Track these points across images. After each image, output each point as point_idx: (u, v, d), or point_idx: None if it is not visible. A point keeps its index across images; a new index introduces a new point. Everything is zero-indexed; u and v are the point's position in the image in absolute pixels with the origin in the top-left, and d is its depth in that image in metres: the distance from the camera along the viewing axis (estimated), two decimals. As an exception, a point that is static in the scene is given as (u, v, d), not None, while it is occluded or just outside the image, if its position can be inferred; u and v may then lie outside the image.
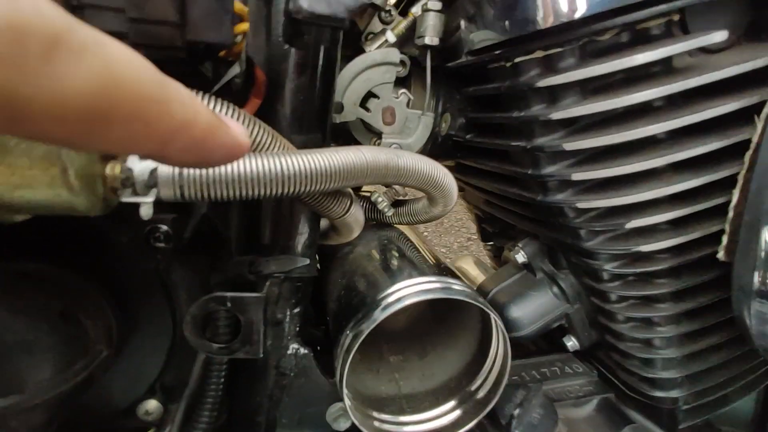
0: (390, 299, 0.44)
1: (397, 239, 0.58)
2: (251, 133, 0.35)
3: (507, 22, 0.39)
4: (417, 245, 0.58)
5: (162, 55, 0.31)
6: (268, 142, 0.36)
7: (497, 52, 0.41)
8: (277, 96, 0.39)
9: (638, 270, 0.47)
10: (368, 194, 0.56)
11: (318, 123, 0.43)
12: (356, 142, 0.54)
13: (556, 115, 0.40)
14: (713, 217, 0.44)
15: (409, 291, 0.44)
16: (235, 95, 0.36)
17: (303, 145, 0.40)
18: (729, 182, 0.41)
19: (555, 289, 0.57)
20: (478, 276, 0.77)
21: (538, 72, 0.40)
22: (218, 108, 0.34)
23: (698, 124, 0.40)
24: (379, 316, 0.42)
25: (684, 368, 0.52)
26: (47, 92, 0.13)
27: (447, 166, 0.65)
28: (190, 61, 0.35)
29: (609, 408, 0.55)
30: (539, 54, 0.39)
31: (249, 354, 0.43)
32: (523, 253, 0.58)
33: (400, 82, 0.54)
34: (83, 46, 0.14)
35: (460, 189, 0.73)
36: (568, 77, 0.38)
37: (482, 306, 0.45)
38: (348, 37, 0.53)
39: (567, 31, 0.38)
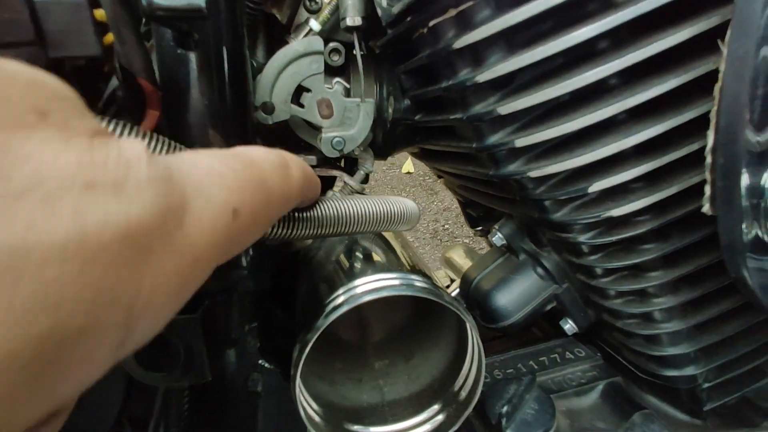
0: (337, 301, 0.40)
1: (363, 238, 0.54)
2: (159, 152, 0.33)
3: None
4: (388, 243, 0.54)
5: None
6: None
7: (409, 18, 0.37)
8: (180, 104, 0.37)
9: (617, 237, 0.41)
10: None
11: (235, 127, 0.40)
12: (299, 141, 0.51)
13: (483, 76, 0.35)
14: (691, 166, 0.37)
15: (357, 291, 0.40)
16: (121, 110, 0.34)
17: None
18: (701, 124, 0.35)
19: (539, 269, 0.52)
20: (464, 265, 0.72)
21: (455, 32, 0.35)
22: (118, 129, 0.32)
23: (651, 59, 0.34)
24: (323, 323, 0.39)
25: (695, 341, 0.46)
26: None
27: (412, 153, 0.62)
28: (80, 81, 0.33)
29: (616, 394, 0.49)
30: (452, 12, 0.34)
31: (195, 379, 0.40)
32: (500, 235, 0.53)
33: (339, 72, 0.50)
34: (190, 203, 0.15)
35: (438, 176, 0.69)
36: (486, 30, 0.33)
37: (445, 303, 0.41)
38: (274, 33, 0.50)
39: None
